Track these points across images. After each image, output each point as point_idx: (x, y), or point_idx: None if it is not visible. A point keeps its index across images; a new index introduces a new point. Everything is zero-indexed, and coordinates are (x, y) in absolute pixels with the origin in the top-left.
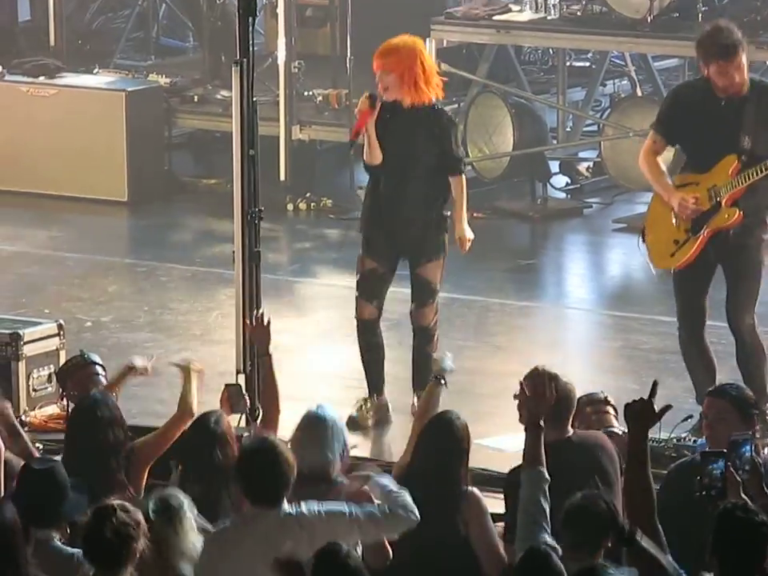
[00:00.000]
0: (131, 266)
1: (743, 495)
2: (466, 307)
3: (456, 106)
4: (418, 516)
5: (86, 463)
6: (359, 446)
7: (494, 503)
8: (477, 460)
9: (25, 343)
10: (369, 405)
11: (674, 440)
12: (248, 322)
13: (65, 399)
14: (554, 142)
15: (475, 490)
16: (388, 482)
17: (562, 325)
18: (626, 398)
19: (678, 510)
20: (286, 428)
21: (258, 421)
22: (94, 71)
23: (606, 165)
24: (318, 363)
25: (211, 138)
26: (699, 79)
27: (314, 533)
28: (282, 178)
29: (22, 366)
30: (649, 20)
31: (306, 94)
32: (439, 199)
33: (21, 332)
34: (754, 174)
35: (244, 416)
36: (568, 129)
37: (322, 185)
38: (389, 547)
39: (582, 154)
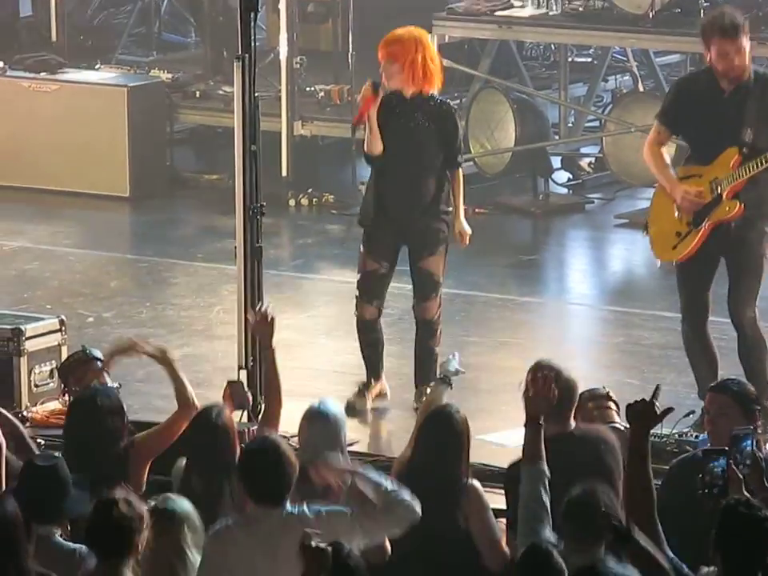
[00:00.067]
0: (133, 261)
1: (745, 492)
2: (468, 303)
3: (458, 101)
4: (420, 512)
5: (86, 451)
6: (360, 441)
7: (497, 499)
8: (479, 455)
9: (27, 339)
10: (367, 390)
11: (676, 435)
12: (251, 315)
13: (66, 395)
14: (556, 137)
15: (476, 483)
16: (379, 477)
17: (564, 320)
18: (628, 393)
19: (679, 506)
20: (286, 423)
21: (260, 415)
22: (96, 67)
23: (607, 160)
24: (319, 359)
25: (213, 133)
26: (704, 70)
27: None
28: (284, 173)
29: (23, 361)
30: (651, 16)
31: (307, 89)
32: (441, 191)
33: (22, 327)
34: (755, 166)
35: (246, 412)
36: (570, 124)
37: (324, 180)
38: (388, 542)
39: (583, 150)
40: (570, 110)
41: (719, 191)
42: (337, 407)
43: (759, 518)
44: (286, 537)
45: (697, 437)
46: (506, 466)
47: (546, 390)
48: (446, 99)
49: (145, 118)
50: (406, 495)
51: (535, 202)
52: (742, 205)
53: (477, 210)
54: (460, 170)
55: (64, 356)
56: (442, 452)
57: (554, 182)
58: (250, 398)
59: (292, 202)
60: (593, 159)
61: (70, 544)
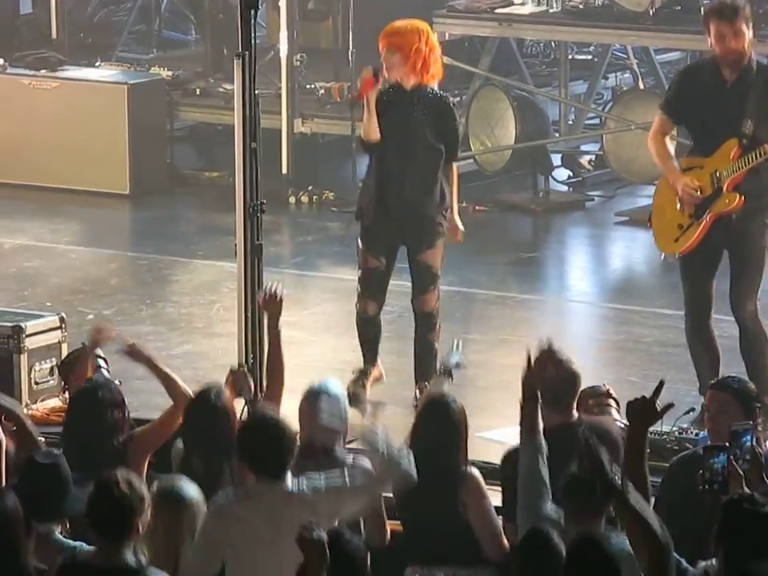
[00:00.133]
0: (133, 258)
1: (745, 488)
2: (468, 300)
3: (458, 99)
4: (415, 474)
5: (87, 444)
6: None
7: (496, 496)
8: (479, 453)
9: (27, 336)
10: (366, 377)
11: (676, 432)
12: (261, 294)
13: (67, 392)
14: (556, 135)
15: (475, 471)
16: (379, 439)
17: (564, 318)
18: (628, 390)
19: (679, 503)
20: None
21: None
22: (96, 64)
23: (607, 158)
24: (319, 356)
25: (213, 130)
26: (708, 60)
27: (315, 510)
28: (284, 171)
29: (23, 358)
30: (651, 13)
31: (307, 87)
32: (438, 183)
33: (23, 325)
34: (754, 157)
35: (246, 403)
36: (570, 122)
37: (324, 178)
38: (388, 527)
39: (584, 147)
40: (571, 108)
41: (720, 183)
42: (338, 387)
43: (763, 513)
44: (287, 512)
45: (697, 434)
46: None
47: (541, 368)
48: (445, 93)
49: (145, 116)
50: (404, 458)
51: (535, 199)
52: (742, 197)
53: (477, 208)
54: (455, 165)
55: (64, 353)
56: (440, 441)
57: (554, 179)
58: (252, 386)
59: (292, 200)
60: (593, 157)
61: (70, 541)
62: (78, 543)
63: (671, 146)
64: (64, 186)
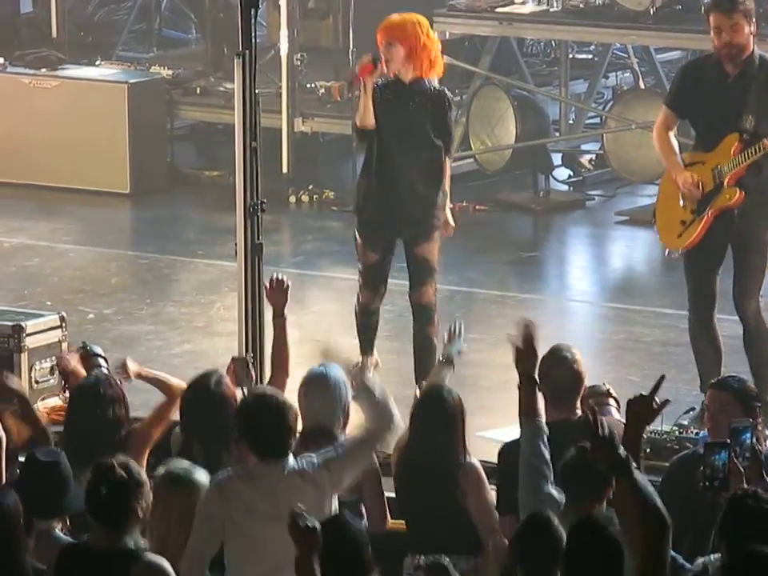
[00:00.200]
0: (133, 258)
1: (746, 485)
2: (468, 300)
3: (458, 98)
4: (401, 424)
5: (87, 439)
6: None
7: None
8: (478, 452)
9: (27, 335)
10: (362, 366)
11: (676, 432)
12: (267, 283)
13: (67, 391)
14: (557, 134)
15: (474, 461)
16: (375, 384)
17: (565, 317)
18: (629, 390)
19: (679, 501)
20: None
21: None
22: (96, 63)
23: (608, 157)
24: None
25: (213, 129)
26: (711, 55)
27: (317, 483)
28: (285, 170)
29: (24, 358)
30: (651, 12)
31: (308, 86)
32: (435, 177)
33: (23, 324)
34: (753, 152)
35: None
36: (570, 121)
37: (325, 177)
38: (389, 515)
39: (584, 147)
40: (571, 107)
41: (721, 178)
42: (338, 371)
43: (766, 510)
44: (288, 489)
45: (697, 433)
46: None
47: (530, 347)
48: (443, 88)
49: (145, 115)
50: (394, 408)
51: (536, 198)
52: (743, 192)
53: (477, 207)
54: (448, 159)
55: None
56: (435, 435)
57: (555, 178)
58: (253, 375)
59: (292, 199)
60: (593, 156)
61: (70, 539)
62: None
63: (675, 142)
64: (64, 185)
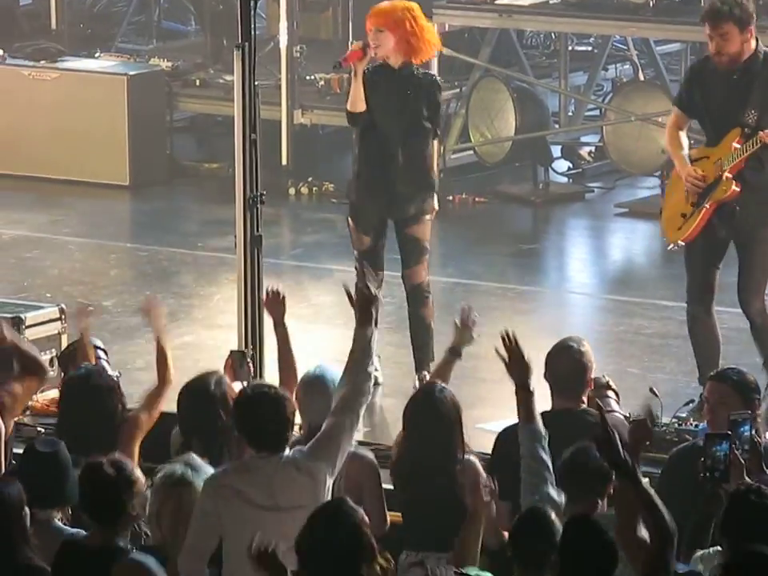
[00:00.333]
0: (133, 250)
1: (746, 477)
2: (468, 292)
3: (458, 90)
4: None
5: (80, 429)
6: (358, 430)
7: None
8: (478, 444)
9: (27, 327)
10: None
11: (675, 424)
12: (263, 295)
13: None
14: (556, 126)
15: (473, 458)
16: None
17: (564, 309)
18: (628, 382)
19: (679, 493)
20: None
21: None
22: (96, 55)
23: (607, 149)
24: (319, 348)
25: (213, 122)
26: None
27: (312, 472)
28: (284, 162)
29: None
30: (651, 4)
31: (307, 78)
32: (425, 159)
33: (23, 316)
34: (751, 145)
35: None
36: (570, 113)
37: (324, 169)
38: (387, 516)
39: (583, 139)
40: (570, 99)
41: (720, 172)
42: (334, 372)
43: None
44: (285, 480)
45: (696, 426)
46: None
47: (517, 357)
48: (431, 72)
49: (144, 107)
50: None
51: (535, 190)
52: (739, 184)
53: (477, 199)
54: (437, 142)
55: (64, 344)
56: (432, 436)
57: (554, 170)
58: (251, 369)
59: (292, 191)
60: (593, 148)
61: (69, 529)
62: (76, 530)
63: (685, 139)
64: (64, 176)
